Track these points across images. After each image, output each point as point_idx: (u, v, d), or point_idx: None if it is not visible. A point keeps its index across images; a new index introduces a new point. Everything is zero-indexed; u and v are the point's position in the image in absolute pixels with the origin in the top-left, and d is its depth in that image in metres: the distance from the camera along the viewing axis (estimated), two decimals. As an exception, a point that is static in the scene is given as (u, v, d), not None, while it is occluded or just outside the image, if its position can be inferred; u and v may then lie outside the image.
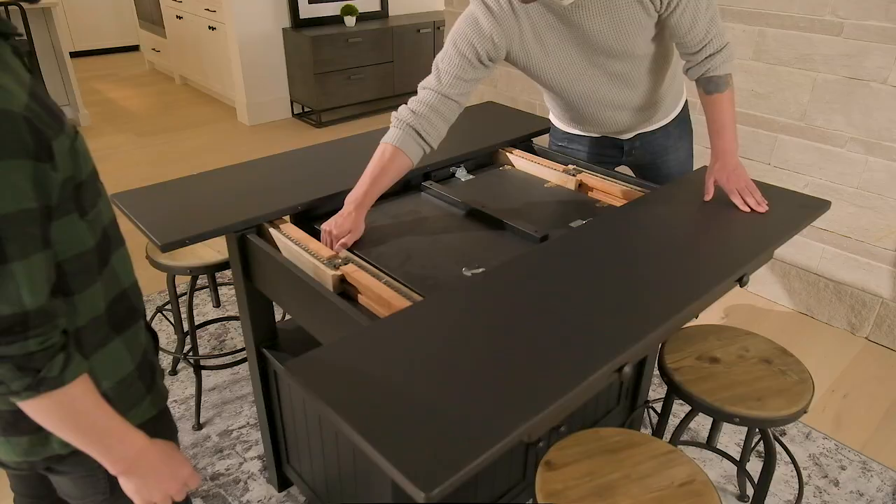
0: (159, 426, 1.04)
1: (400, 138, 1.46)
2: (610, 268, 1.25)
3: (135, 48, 6.88)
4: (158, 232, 1.35)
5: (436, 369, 0.97)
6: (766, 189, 1.62)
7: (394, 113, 1.51)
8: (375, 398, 0.91)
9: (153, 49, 6.05)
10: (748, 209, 1.49)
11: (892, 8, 2.19)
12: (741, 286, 1.34)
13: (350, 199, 1.45)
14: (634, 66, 1.58)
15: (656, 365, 1.62)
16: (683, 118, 1.87)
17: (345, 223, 1.43)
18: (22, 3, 3.87)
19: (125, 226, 2.95)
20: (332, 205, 1.57)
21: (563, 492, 1.15)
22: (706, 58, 1.51)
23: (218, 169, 1.68)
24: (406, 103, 1.50)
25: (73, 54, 6.41)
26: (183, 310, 2.29)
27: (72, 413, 0.80)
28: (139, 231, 1.39)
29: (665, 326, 1.09)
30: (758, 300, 2.85)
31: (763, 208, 1.49)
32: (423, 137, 1.48)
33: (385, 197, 1.60)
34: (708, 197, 1.54)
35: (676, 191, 1.60)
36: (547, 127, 2.06)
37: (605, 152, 1.88)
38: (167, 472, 0.94)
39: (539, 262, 1.26)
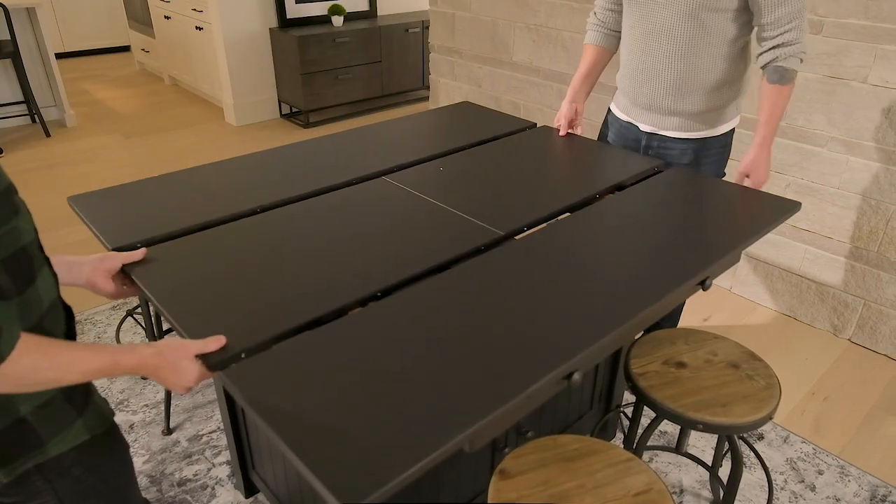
0: (100, 448, 0.98)
1: (595, 38, 1.90)
2: (564, 271, 1.22)
3: (126, 49, 6.85)
4: (110, 235, 1.33)
5: (376, 378, 0.94)
6: (736, 190, 1.60)
7: (588, 20, 1.93)
8: (311, 406, 0.88)
9: (143, 49, 6.03)
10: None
11: (872, 6, 2.17)
12: (704, 290, 1.31)
13: (568, 92, 1.94)
14: (706, 34, 1.61)
15: (625, 369, 1.59)
16: (713, 147, 1.81)
17: (565, 109, 1.94)
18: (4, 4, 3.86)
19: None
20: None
21: (516, 500, 1.12)
22: (779, 45, 1.56)
23: (184, 170, 1.66)
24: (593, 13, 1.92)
25: (64, 55, 6.39)
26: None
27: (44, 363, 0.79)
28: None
29: (617, 332, 1.06)
30: (740, 301, 2.82)
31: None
32: (612, 29, 1.88)
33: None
34: (740, 181, 1.73)
35: (639, 192, 1.57)
36: (524, 127, 2.05)
37: (629, 146, 1.91)
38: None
39: (488, 266, 1.24)
